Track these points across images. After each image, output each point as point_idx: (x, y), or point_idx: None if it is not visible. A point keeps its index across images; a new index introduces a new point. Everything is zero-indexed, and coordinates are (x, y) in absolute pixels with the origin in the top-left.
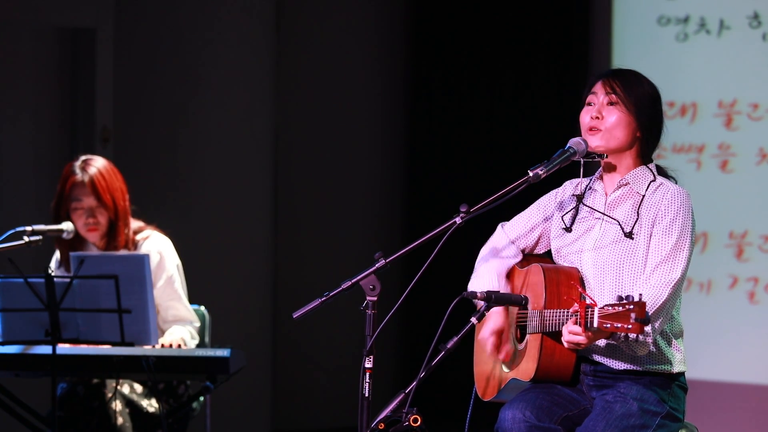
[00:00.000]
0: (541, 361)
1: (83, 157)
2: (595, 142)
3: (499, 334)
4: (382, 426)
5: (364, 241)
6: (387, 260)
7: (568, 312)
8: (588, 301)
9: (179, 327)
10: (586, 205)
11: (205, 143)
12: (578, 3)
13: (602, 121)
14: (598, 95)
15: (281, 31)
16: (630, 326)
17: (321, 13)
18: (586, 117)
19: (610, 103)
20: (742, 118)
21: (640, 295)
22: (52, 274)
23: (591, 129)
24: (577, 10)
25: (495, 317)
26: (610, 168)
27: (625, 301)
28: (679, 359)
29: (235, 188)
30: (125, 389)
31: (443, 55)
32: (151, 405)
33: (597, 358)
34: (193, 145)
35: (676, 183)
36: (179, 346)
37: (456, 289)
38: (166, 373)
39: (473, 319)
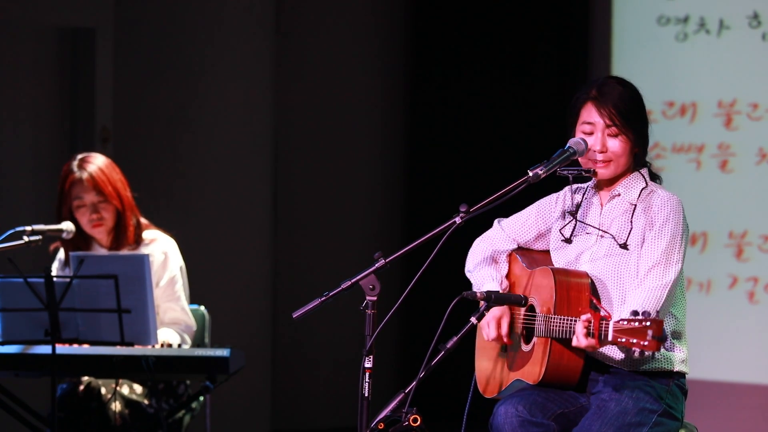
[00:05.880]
0: (549, 366)
1: (80, 156)
2: (604, 174)
3: (498, 321)
4: (381, 426)
5: (364, 241)
6: (387, 260)
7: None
8: (602, 313)
9: (167, 330)
10: (581, 222)
11: (205, 143)
12: (578, 3)
13: (606, 153)
14: (596, 125)
15: (281, 31)
16: (646, 343)
17: (321, 12)
18: (587, 141)
19: (611, 135)
20: (742, 118)
21: (657, 312)
22: (52, 273)
23: (596, 162)
24: (576, 10)
25: (498, 309)
26: (605, 180)
27: (641, 317)
28: (681, 359)
29: (235, 188)
30: (124, 390)
31: (443, 55)
32: (150, 405)
33: (605, 360)
34: (193, 146)
35: (660, 181)
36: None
37: (456, 289)
38: (165, 373)
39: (473, 319)
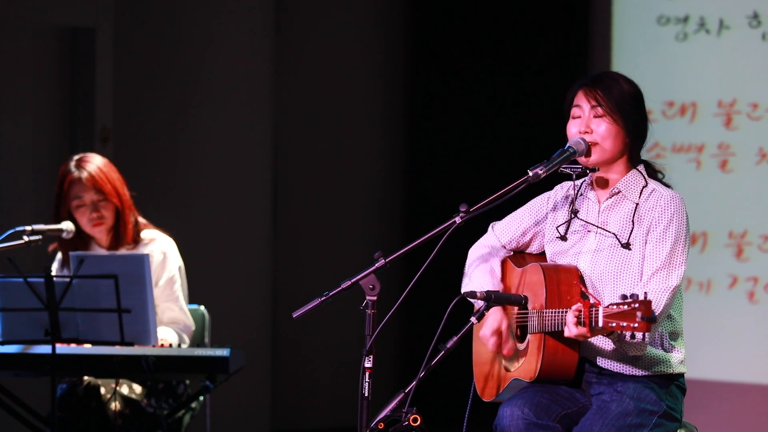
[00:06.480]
0: (544, 361)
1: (77, 156)
2: (592, 160)
3: (500, 334)
4: (381, 426)
5: (364, 241)
6: (387, 260)
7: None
8: (591, 300)
9: (165, 329)
10: (580, 219)
11: (205, 143)
12: (578, 3)
13: (591, 135)
14: (583, 108)
15: (281, 31)
16: (636, 325)
17: (321, 13)
18: (573, 130)
19: (597, 116)
20: (742, 118)
21: (645, 293)
22: (52, 273)
23: None
24: (576, 10)
25: (494, 315)
26: (602, 177)
27: (630, 300)
28: (679, 360)
29: (234, 188)
30: (124, 389)
31: (443, 55)
32: (150, 405)
33: (600, 361)
34: (193, 145)
35: (663, 178)
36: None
37: (456, 289)
38: (165, 373)
39: (473, 319)
